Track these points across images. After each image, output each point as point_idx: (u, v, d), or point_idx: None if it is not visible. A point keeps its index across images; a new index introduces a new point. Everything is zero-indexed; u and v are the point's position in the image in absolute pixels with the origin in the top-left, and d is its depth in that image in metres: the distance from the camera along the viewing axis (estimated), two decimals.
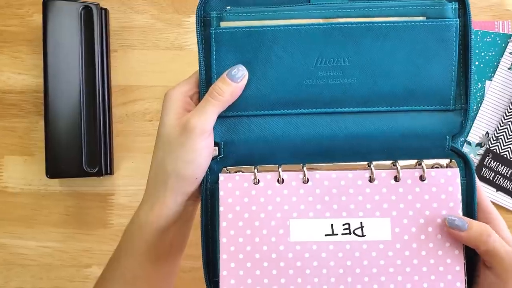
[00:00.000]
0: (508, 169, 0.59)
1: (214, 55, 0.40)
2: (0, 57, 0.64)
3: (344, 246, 0.38)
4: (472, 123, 0.60)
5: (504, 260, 0.35)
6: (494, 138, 0.59)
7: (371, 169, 0.38)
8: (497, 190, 0.60)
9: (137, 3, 0.64)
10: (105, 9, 0.62)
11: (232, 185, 0.39)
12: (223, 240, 0.38)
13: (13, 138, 0.64)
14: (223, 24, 0.40)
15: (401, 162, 0.39)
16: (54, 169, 0.59)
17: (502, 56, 0.59)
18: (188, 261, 0.53)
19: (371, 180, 0.39)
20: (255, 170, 0.39)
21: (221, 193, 0.39)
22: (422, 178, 0.38)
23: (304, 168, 0.39)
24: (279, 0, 0.40)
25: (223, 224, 0.39)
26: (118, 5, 0.63)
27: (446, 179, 0.38)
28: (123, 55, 0.63)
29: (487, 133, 0.60)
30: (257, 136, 0.41)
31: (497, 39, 0.59)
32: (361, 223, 0.38)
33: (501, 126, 0.59)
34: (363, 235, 0.38)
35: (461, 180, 0.39)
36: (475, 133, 0.60)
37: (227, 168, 0.40)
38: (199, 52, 0.41)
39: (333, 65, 0.39)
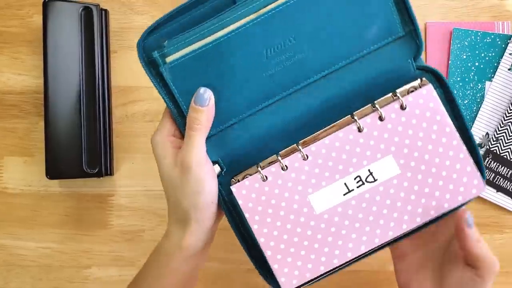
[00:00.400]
0: (508, 170, 0.59)
1: (175, 89, 0.42)
2: (0, 58, 0.64)
3: (364, 196, 0.40)
4: (472, 124, 0.60)
5: (494, 265, 0.38)
6: (494, 139, 0.59)
7: (356, 120, 0.40)
8: (497, 191, 0.59)
9: (137, 4, 0.64)
10: (105, 10, 0.62)
11: (246, 191, 0.41)
12: (261, 240, 0.41)
13: (13, 139, 0.64)
14: (169, 59, 0.41)
15: (378, 101, 0.40)
16: (54, 170, 0.59)
17: (502, 57, 0.59)
18: None
19: (360, 130, 0.40)
20: (259, 168, 0.41)
21: (240, 202, 0.41)
22: (402, 107, 0.40)
23: (299, 147, 0.41)
24: (205, 14, 0.41)
25: (254, 227, 0.41)
26: (118, 6, 0.63)
27: (423, 98, 0.40)
28: (123, 56, 0.63)
29: (487, 134, 0.60)
30: (246, 138, 0.42)
31: (497, 40, 0.59)
32: (369, 170, 0.40)
33: (501, 127, 0.59)
34: (375, 180, 0.40)
35: (437, 92, 0.40)
36: (475, 134, 0.60)
37: (235, 178, 0.42)
38: (159, 92, 0.42)
39: (281, 49, 0.41)
